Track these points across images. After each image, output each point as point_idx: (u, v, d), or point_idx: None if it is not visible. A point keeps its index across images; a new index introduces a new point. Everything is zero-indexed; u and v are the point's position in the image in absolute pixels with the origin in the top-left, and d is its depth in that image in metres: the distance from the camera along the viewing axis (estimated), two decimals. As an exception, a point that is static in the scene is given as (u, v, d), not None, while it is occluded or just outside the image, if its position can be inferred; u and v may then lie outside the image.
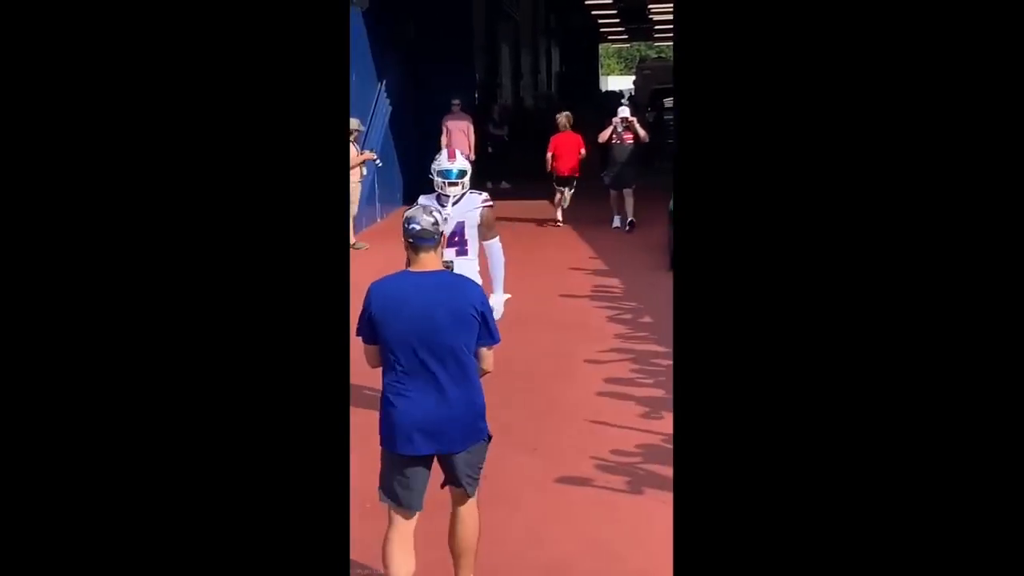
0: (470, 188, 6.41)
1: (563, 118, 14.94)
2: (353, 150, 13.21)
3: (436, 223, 4.02)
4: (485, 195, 6.44)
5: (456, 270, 5.75)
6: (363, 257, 12.27)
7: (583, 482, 5.73)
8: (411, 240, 3.99)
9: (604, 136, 14.52)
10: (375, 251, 12.16)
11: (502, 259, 6.35)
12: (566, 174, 14.66)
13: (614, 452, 6.16)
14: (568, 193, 14.78)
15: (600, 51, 53.72)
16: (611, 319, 9.49)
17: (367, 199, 13.99)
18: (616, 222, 14.58)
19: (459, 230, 6.24)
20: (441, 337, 3.84)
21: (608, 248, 12.68)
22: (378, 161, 13.81)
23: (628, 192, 14.35)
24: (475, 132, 16.84)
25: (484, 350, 3.98)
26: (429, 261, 3.99)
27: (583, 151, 14.66)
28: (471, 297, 3.97)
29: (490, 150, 19.86)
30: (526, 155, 21.38)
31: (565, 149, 14.63)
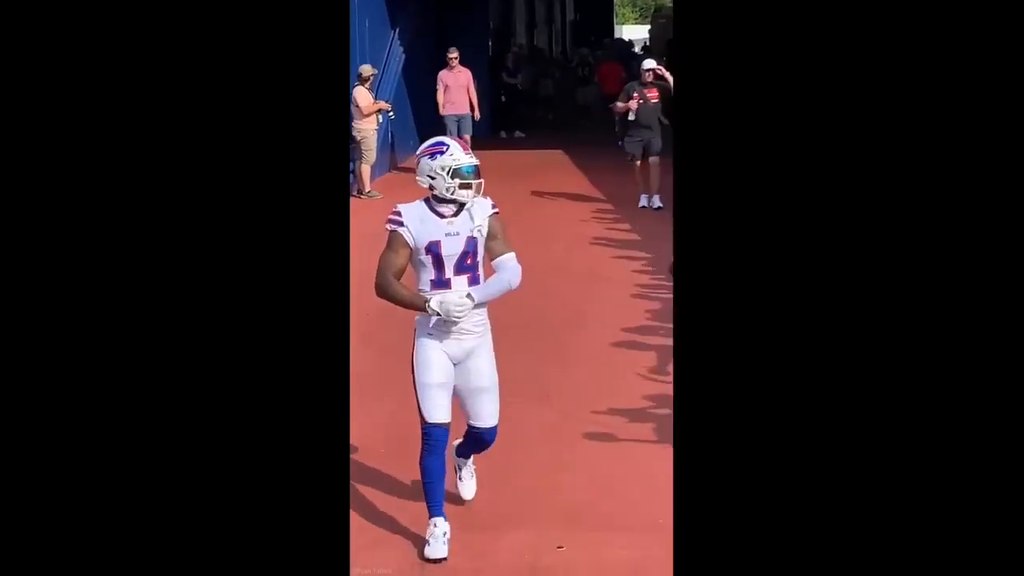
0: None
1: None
2: (368, 96, 13.12)
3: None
4: (489, 200, 4.55)
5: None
6: (376, 206, 12.24)
7: (596, 429, 5.74)
8: None
9: (620, 107, 12.13)
10: (387, 201, 12.15)
11: (519, 280, 4.51)
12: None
13: (626, 400, 6.16)
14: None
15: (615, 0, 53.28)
16: (626, 269, 9.46)
17: (380, 148, 13.93)
18: (643, 200, 12.08)
19: (472, 249, 4.41)
20: None
21: (625, 199, 12.54)
22: (391, 113, 13.74)
23: (655, 162, 11.82)
24: (486, 81, 16.14)
25: None
26: None
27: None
28: None
29: (503, 99, 19.74)
30: (541, 104, 21.33)
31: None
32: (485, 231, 4.41)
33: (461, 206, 4.37)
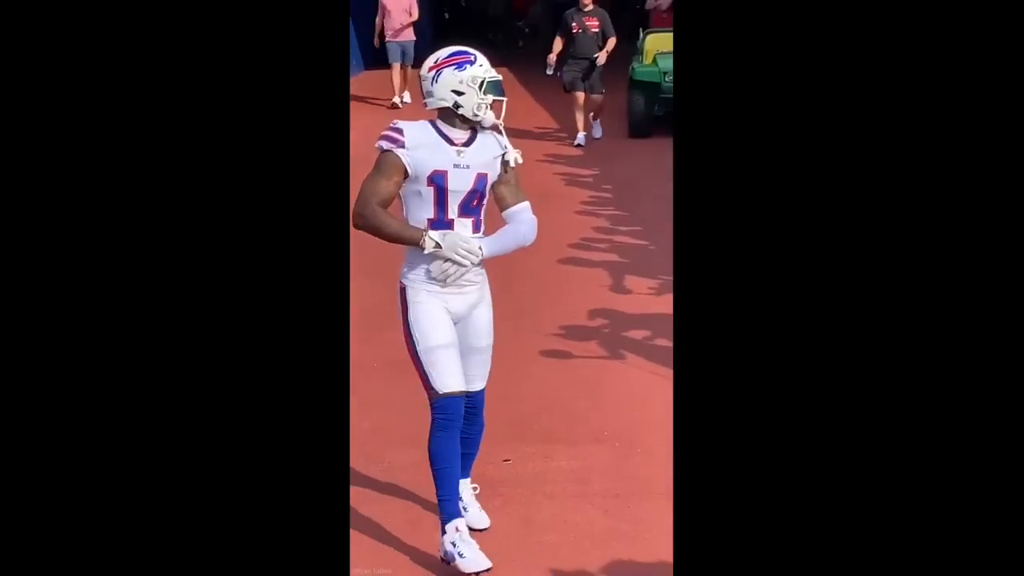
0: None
1: None
2: None
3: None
4: (504, 137, 3.82)
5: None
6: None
7: (542, 345, 5.79)
8: None
9: (556, 49, 11.30)
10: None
11: (534, 236, 3.88)
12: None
13: (572, 316, 6.21)
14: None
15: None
16: (572, 186, 9.46)
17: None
18: (581, 138, 11.53)
19: (481, 188, 3.72)
20: None
21: (571, 117, 12.47)
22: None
23: (598, 100, 11.42)
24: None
25: None
26: None
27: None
28: None
29: (447, 16, 19.45)
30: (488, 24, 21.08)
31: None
32: (498, 169, 3.74)
33: (474, 134, 3.72)
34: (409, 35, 13.80)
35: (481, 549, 3.67)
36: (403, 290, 3.73)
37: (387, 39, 13.81)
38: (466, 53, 3.76)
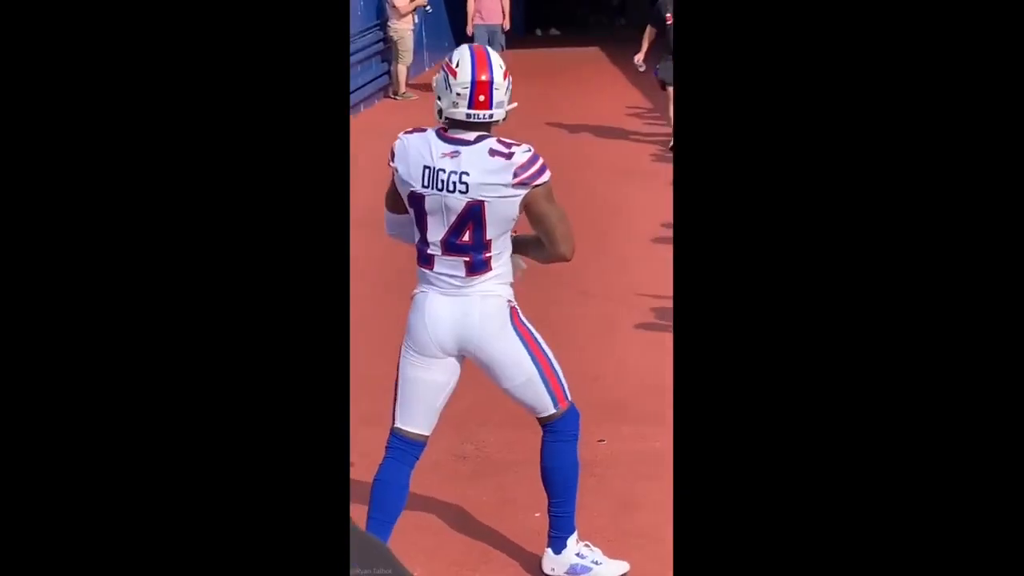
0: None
1: None
2: None
3: None
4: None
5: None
6: (412, 106, 12.18)
7: (635, 325, 5.75)
8: None
9: (645, 46, 10.19)
10: (424, 102, 12.05)
11: None
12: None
13: (666, 296, 6.16)
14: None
15: None
16: (662, 164, 9.37)
17: (415, 48, 13.78)
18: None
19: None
20: None
21: (656, 95, 12.37)
22: (428, 7, 13.54)
23: None
24: None
25: None
26: None
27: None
28: None
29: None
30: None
31: None
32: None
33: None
34: (496, 18, 12.94)
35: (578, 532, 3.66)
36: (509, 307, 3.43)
37: (475, 23, 13.05)
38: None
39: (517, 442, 4.34)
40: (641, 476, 4.24)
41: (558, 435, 3.53)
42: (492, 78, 3.25)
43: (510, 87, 3.32)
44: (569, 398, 3.54)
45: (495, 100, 3.26)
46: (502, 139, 3.27)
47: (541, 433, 3.56)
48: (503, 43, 13.06)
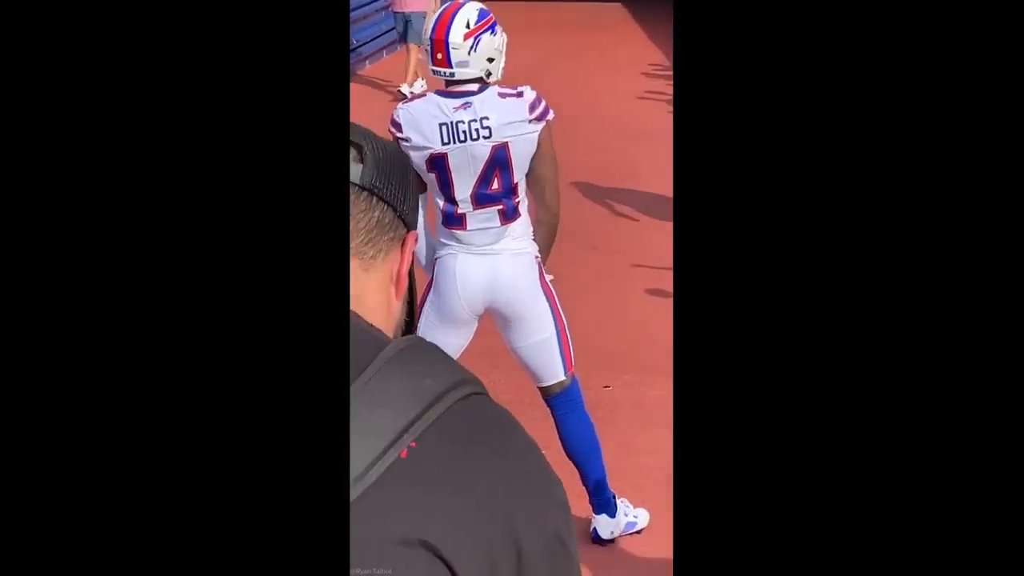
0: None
1: None
2: None
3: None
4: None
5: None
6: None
7: (639, 280, 5.97)
8: None
9: None
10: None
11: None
12: None
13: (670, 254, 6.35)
14: None
15: None
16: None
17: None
18: None
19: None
20: None
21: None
22: None
23: None
24: None
25: None
26: None
27: None
28: None
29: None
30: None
31: None
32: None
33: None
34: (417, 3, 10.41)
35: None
36: (534, 260, 3.44)
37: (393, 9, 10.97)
38: (488, 12, 3.36)
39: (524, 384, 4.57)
40: (641, 421, 4.46)
41: (573, 404, 3.57)
42: (448, 37, 3.24)
43: (501, 47, 3.31)
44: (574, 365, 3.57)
45: (454, 59, 3.25)
46: (502, 86, 3.32)
47: (548, 409, 3.56)
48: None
